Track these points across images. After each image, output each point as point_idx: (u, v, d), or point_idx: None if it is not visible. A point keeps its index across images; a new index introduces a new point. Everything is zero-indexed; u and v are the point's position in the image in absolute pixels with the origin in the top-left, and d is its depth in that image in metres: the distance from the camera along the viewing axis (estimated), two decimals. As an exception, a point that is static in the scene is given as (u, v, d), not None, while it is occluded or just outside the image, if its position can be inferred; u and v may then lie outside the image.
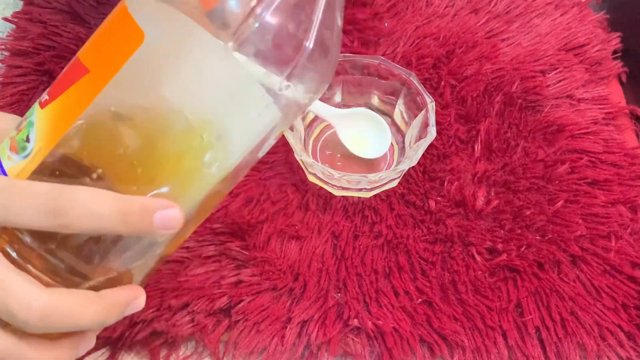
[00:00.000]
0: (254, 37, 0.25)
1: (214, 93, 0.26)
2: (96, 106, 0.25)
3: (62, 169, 0.26)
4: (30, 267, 0.25)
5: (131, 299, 0.27)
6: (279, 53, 0.26)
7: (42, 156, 0.26)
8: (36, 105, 0.27)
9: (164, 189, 0.26)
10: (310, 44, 0.26)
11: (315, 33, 0.26)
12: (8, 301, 0.23)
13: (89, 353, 0.37)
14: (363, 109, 0.47)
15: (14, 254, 0.25)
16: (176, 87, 0.25)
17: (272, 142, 0.30)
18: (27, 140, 0.26)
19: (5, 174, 0.26)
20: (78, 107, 0.25)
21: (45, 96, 0.27)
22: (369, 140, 0.46)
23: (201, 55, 0.25)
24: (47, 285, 0.25)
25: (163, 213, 0.25)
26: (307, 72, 0.27)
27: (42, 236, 0.25)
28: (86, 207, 0.24)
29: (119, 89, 0.25)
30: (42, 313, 0.24)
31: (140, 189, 0.26)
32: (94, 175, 0.25)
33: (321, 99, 0.45)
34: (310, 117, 0.47)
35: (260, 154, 0.30)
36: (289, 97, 0.27)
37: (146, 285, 0.31)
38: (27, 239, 0.25)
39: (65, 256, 0.26)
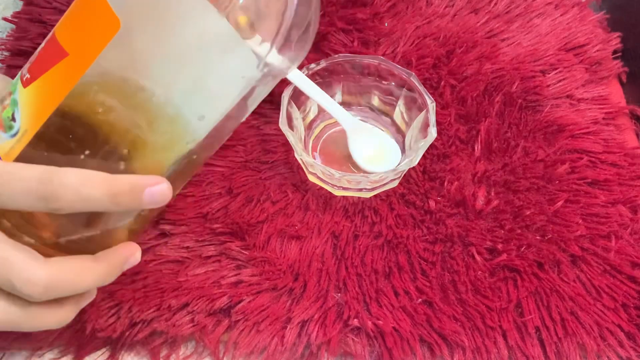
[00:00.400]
0: (242, 7, 0.26)
1: (196, 69, 0.27)
2: (79, 87, 0.26)
3: (52, 147, 0.27)
4: (26, 238, 0.27)
5: (127, 256, 0.29)
6: (265, 23, 0.28)
7: (30, 137, 0.26)
8: (18, 82, 0.28)
9: (149, 162, 0.28)
10: (291, 15, 0.28)
11: (295, 8, 0.28)
12: (12, 277, 0.25)
13: (89, 352, 0.37)
14: (377, 128, 0.47)
15: (9, 227, 0.26)
16: (156, 68, 0.26)
17: (250, 109, 0.32)
18: (13, 119, 0.27)
19: None
20: (61, 90, 0.26)
21: (26, 74, 0.27)
22: (379, 157, 0.45)
23: (183, 33, 0.26)
24: (44, 253, 0.26)
25: (152, 190, 0.26)
26: (288, 41, 0.28)
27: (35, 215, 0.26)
28: (77, 190, 0.24)
29: (99, 72, 0.26)
30: (45, 285, 0.25)
31: (127, 166, 0.27)
32: (82, 156, 0.26)
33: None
34: (311, 117, 0.47)
35: (241, 119, 0.32)
36: (270, 65, 0.29)
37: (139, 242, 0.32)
38: (21, 213, 0.26)
39: (59, 225, 0.27)
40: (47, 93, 0.26)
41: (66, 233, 0.28)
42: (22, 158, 0.27)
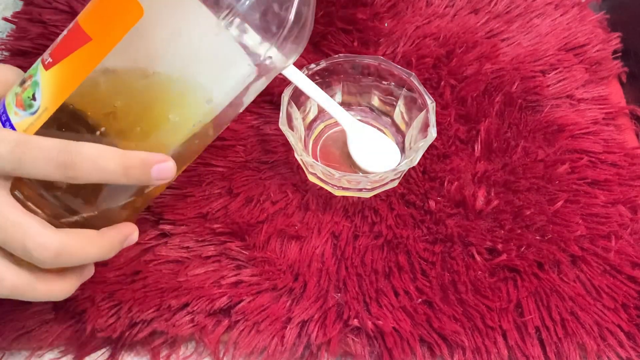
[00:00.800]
0: (243, 14, 0.29)
1: (206, 61, 0.30)
2: (99, 71, 0.28)
3: (69, 125, 0.29)
4: (38, 210, 0.29)
5: (127, 234, 0.32)
6: (265, 27, 0.30)
7: (49, 114, 0.29)
8: (39, 66, 0.30)
9: (156, 144, 0.30)
10: (291, 17, 0.31)
11: (294, 9, 0.31)
12: (25, 242, 0.27)
13: (89, 353, 0.37)
14: (377, 128, 0.47)
15: (22, 198, 0.29)
16: (173, 56, 0.29)
17: (251, 98, 0.35)
18: (34, 98, 0.29)
19: (13, 128, 0.29)
20: (82, 72, 0.28)
21: (48, 58, 0.30)
22: (379, 157, 0.45)
23: (196, 28, 0.29)
24: (54, 226, 0.28)
25: (160, 166, 0.30)
26: (287, 42, 0.32)
27: (49, 184, 0.29)
28: (93, 161, 0.27)
29: (120, 56, 0.28)
30: (56, 251, 0.27)
31: (138, 145, 0.30)
32: (98, 133, 0.29)
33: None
34: (311, 117, 0.47)
35: (241, 109, 0.35)
36: (269, 63, 0.32)
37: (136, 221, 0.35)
38: (35, 185, 0.29)
39: (69, 200, 0.29)
40: (68, 74, 0.29)
41: (69, 213, 0.30)
42: (41, 133, 0.29)
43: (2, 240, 0.27)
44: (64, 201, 0.30)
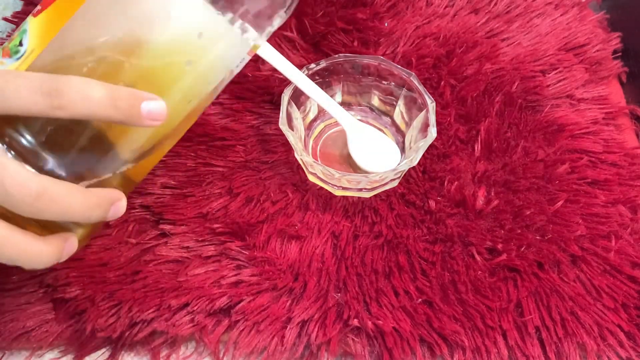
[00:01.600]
0: None
1: (187, 28, 0.30)
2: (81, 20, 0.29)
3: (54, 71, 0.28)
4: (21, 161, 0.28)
5: (115, 198, 0.30)
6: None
7: (35, 55, 0.29)
8: (28, 18, 0.32)
9: None
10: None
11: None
12: (4, 179, 0.25)
13: (89, 352, 0.37)
14: (377, 128, 0.47)
15: (4, 147, 0.27)
16: (149, 19, 0.29)
17: (235, 70, 0.35)
18: (20, 44, 0.30)
19: None
20: (68, 13, 0.29)
21: (38, 7, 0.31)
22: (379, 157, 0.45)
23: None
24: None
25: (149, 103, 0.28)
26: (257, 13, 0.32)
27: (33, 129, 0.27)
28: (80, 89, 0.26)
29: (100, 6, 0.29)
30: (36, 193, 0.25)
31: None
32: None
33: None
34: (311, 117, 0.47)
35: (222, 85, 0.35)
36: (243, 34, 0.32)
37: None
38: (19, 133, 0.27)
39: (53, 157, 0.28)
40: (55, 16, 0.29)
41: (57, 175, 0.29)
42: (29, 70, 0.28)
43: None
44: (51, 169, 0.28)
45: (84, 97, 0.26)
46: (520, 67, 0.52)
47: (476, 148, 0.46)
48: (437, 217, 0.43)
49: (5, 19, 0.53)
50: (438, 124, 0.45)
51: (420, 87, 0.44)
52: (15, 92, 0.25)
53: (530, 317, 0.39)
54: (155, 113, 0.28)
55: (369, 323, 0.38)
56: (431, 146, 0.46)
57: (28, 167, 0.27)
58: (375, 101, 0.48)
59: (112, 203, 0.29)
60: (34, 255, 0.27)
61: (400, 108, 0.47)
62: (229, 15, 0.31)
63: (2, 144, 0.27)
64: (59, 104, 0.25)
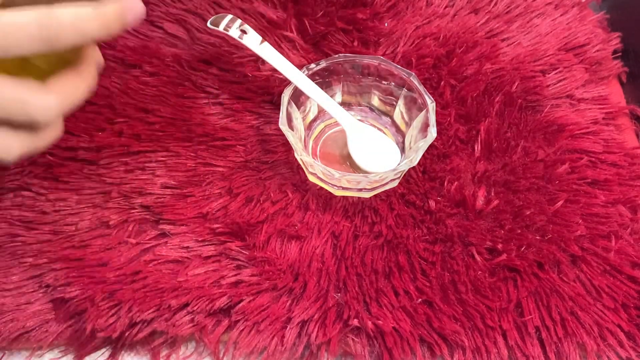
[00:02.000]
0: None
1: None
2: None
3: None
4: None
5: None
6: None
7: None
8: None
9: None
10: None
11: None
12: None
13: (89, 352, 0.37)
14: (376, 128, 0.47)
15: None
16: None
17: None
18: None
19: None
20: None
21: None
22: (379, 157, 0.45)
23: None
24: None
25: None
26: None
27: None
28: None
29: None
30: (37, 21, 0.25)
31: None
32: None
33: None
34: (311, 117, 0.47)
35: None
36: None
37: None
38: None
39: None
40: None
41: None
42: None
43: None
44: None
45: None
46: (520, 67, 0.52)
47: (476, 148, 0.46)
48: (437, 217, 0.43)
49: None
50: (438, 124, 0.45)
51: (420, 87, 0.44)
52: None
53: (530, 317, 0.39)
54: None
55: (369, 323, 0.38)
56: (431, 146, 0.46)
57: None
58: (375, 101, 0.48)
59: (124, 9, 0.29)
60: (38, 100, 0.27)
61: (400, 108, 0.47)
62: None
63: None
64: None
